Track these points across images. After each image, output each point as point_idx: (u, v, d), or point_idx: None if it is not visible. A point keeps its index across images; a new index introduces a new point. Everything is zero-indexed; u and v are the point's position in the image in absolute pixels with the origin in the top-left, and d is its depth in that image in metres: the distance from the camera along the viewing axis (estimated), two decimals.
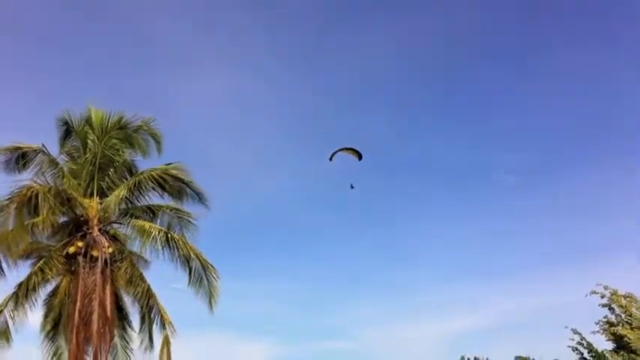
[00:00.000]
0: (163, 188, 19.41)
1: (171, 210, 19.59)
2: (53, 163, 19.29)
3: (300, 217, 72.77)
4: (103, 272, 18.20)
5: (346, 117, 69.23)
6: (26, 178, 18.42)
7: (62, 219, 19.04)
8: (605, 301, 21.25)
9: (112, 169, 19.67)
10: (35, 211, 17.40)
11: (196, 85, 66.32)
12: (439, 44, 71.12)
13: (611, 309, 21.22)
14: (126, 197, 19.09)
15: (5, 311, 17.91)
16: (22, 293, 17.92)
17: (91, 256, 18.26)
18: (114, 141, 19.51)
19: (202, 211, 19.72)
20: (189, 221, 19.23)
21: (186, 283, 19.04)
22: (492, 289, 63.93)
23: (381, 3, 69.09)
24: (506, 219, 71.10)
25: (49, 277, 18.59)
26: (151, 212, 19.55)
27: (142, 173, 19.42)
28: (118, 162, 19.82)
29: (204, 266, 19.15)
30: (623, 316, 20.89)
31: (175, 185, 19.33)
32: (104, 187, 19.43)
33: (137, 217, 19.29)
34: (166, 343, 18.67)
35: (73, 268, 18.81)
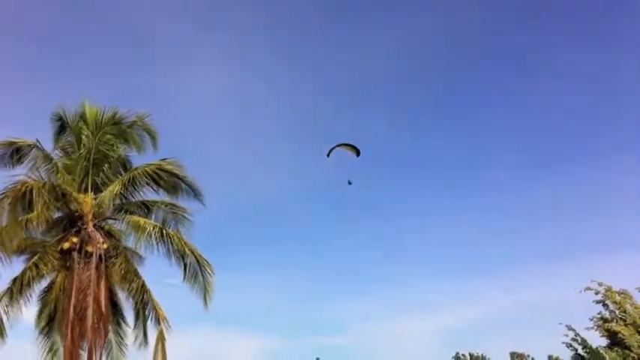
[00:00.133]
0: (158, 184, 19.36)
1: (166, 205, 19.55)
2: (47, 158, 19.23)
3: (298, 214, 72.85)
4: (97, 268, 18.15)
5: (345, 116, 69.29)
6: (20, 173, 18.34)
7: (57, 214, 19.03)
8: (599, 297, 21.38)
9: (106, 165, 19.64)
10: (30, 207, 17.35)
11: (195, 84, 66.29)
12: (438, 44, 71.17)
13: (605, 305, 21.33)
14: (120, 193, 19.03)
15: None
16: (17, 289, 17.87)
17: (86, 252, 18.21)
18: (108, 136, 19.46)
19: (197, 206, 19.70)
20: (184, 217, 19.21)
21: (180, 278, 19.02)
22: (488, 285, 64.17)
23: (380, 3, 69.10)
24: (502, 215, 71.26)
25: (44, 272, 18.55)
26: (146, 208, 19.52)
27: (136, 169, 19.33)
28: (113, 157, 19.78)
29: (200, 262, 19.12)
30: (617, 312, 21.00)
31: (170, 181, 19.28)
32: (99, 182, 19.38)
33: (132, 213, 19.25)
34: (161, 338, 18.65)
35: (67, 264, 18.78)
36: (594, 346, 21.45)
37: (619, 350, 20.36)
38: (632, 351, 19.88)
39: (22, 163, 19.18)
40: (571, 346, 21.75)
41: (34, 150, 19.04)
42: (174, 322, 19.33)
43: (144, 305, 19.27)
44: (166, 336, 18.77)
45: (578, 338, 21.59)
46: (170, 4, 64.80)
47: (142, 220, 18.65)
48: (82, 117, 19.73)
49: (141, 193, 19.75)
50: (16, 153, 19.11)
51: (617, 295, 21.09)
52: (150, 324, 19.30)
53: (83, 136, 19.56)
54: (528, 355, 43.37)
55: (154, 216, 19.37)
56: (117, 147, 19.89)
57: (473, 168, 72.01)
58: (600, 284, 21.44)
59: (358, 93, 72.65)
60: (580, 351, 21.70)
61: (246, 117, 70.37)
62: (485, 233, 68.90)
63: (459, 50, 72.74)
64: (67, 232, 18.69)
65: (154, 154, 20.16)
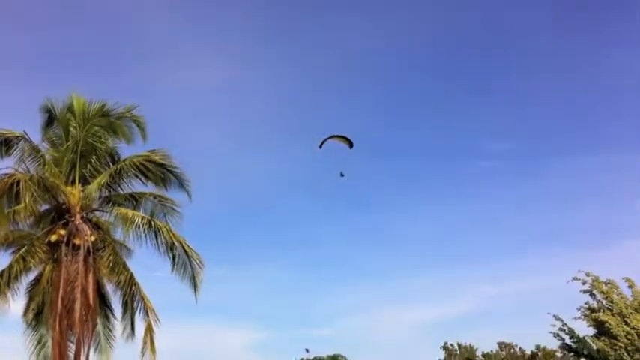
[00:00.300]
0: (146, 175, 19.29)
1: (154, 197, 19.45)
2: (35, 150, 19.08)
3: (285, 206, 73.07)
4: (85, 260, 18.12)
5: (332, 106, 69.36)
6: (8, 166, 18.27)
7: (44, 207, 18.94)
8: (586, 287, 21.47)
9: (94, 157, 19.52)
10: (17, 200, 17.29)
11: (185, 76, 66.15)
12: (427, 34, 71.27)
13: (592, 295, 21.44)
14: (108, 184, 19.01)
15: None
16: (4, 282, 17.74)
17: (74, 244, 18.18)
18: (96, 128, 19.37)
19: (186, 198, 19.65)
20: (173, 209, 19.12)
21: (169, 270, 19.01)
22: (475, 276, 64.63)
23: None
24: (489, 206, 71.75)
25: (32, 265, 18.47)
26: (134, 200, 19.43)
27: (124, 160, 19.29)
28: (101, 149, 19.67)
29: (189, 254, 19.11)
30: (604, 302, 21.11)
31: (158, 172, 19.20)
32: (86, 174, 19.28)
33: (120, 205, 19.19)
34: (150, 330, 18.64)
35: (55, 256, 18.72)
36: (581, 336, 21.59)
37: (606, 340, 20.48)
38: (619, 340, 20.00)
39: (10, 155, 19.08)
40: (558, 335, 21.86)
41: (21, 142, 18.88)
42: (163, 314, 19.36)
43: (132, 297, 19.22)
44: (155, 328, 18.78)
45: (565, 328, 21.69)
46: None
47: (130, 213, 18.61)
48: (70, 109, 19.61)
49: (129, 185, 19.75)
50: (4, 145, 18.96)
51: (604, 285, 21.20)
52: (138, 316, 19.31)
53: (71, 128, 19.43)
54: (516, 345, 43.87)
55: (142, 208, 19.25)
56: (105, 139, 19.78)
57: (460, 158, 72.39)
58: (587, 274, 21.55)
59: (346, 84, 72.84)
60: (567, 340, 21.82)
61: (234, 106, 70.49)
62: (473, 224, 69.40)
63: (447, 40, 73.07)
64: (55, 225, 18.61)
65: (143, 145, 20.14)
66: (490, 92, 73.78)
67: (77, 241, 18.13)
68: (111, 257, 18.85)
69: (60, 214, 18.84)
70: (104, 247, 19.08)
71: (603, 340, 20.51)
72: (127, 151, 20.35)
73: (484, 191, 73.29)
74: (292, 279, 70.84)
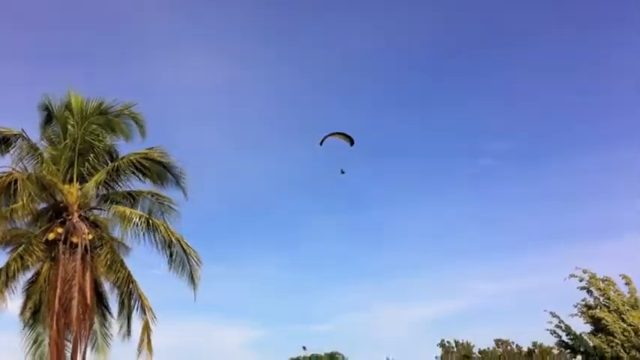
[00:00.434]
0: (143, 173, 19.28)
1: (152, 196, 19.40)
2: (33, 148, 19.02)
3: (283, 204, 73.02)
4: (83, 259, 18.07)
5: (332, 106, 69.35)
6: (5, 165, 18.21)
7: (42, 205, 18.90)
8: (583, 284, 21.55)
9: (92, 155, 19.43)
10: (14, 198, 17.21)
11: (183, 74, 66.05)
12: (425, 33, 71.30)
13: (589, 292, 21.52)
14: (105, 182, 18.97)
15: None
16: (2, 280, 17.66)
17: (71, 243, 18.13)
18: (94, 126, 19.29)
19: (184, 196, 19.63)
20: (170, 207, 19.07)
21: (167, 268, 18.99)
22: (472, 274, 64.67)
23: None
24: (487, 204, 71.86)
25: (29, 263, 18.41)
26: (132, 198, 19.38)
27: (122, 158, 19.27)
28: (99, 147, 19.57)
29: (186, 251, 19.07)
30: (601, 299, 21.22)
31: (156, 170, 19.19)
32: (84, 173, 19.22)
33: (117, 203, 19.13)
34: (147, 329, 18.62)
35: (53, 255, 18.66)
36: (578, 333, 21.70)
37: (603, 337, 20.58)
38: (615, 337, 20.10)
39: (8, 152, 19.04)
40: (555, 332, 21.98)
41: (19, 140, 18.84)
42: (160, 312, 19.35)
43: (129, 296, 19.19)
44: (152, 326, 18.78)
45: (562, 325, 21.81)
46: None
47: (127, 211, 18.55)
48: (68, 107, 19.53)
49: (127, 182, 19.73)
50: (2, 143, 18.93)
51: (600, 282, 21.30)
52: (135, 314, 19.28)
53: (69, 126, 19.34)
54: (513, 342, 43.96)
55: (140, 206, 19.19)
56: (103, 137, 19.69)
57: (458, 156, 72.46)
58: (585, 271, 21.64)
59: (346, 84, 72.82)
60: (564, 337, 21.94)
61: (233, 105, 70.37)
62: (470, 222, 69.49)
63: (446, 38, 73.06)
64: (52, 223, 18.56)
65: (143, 142, 20.10)
66: (490, 91, 73.73)
67: (75, 240, 18.08)
68: (108, 255, 18.78)
69: (57, 212, 18.79)
70: (102, 245, 19.01)
71: (600, 337, 20.62)
72: (126, 148, 20.38)
73: (483, 190, 73.32)
74: (291, 277, 70.84)
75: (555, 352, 39.20)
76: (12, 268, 17.77)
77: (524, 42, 72.96)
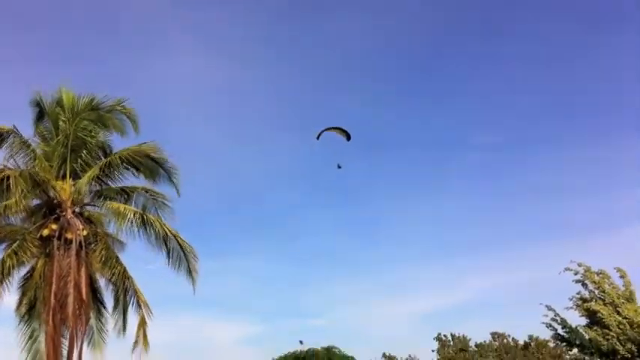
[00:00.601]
0: (137, 168, 19.25)
1: (146, 191, 19.40)
2: (25, 144, 18.92)
3: (278, 199, 73.02)
4: (77, 255, 18.05)
5: (332, 106, 69.28)
6: None
7: (35, 202, 18.88)
8: (578, 277, 21.57)
9: (84, 151, 19.35)
10: (7, 195, 17.16)
11: (185, 74, 65.91)
12: (416, 24, 71.14)
13: (584, 285, 21.55)
14: (99, 178, 18.93)
15: None
16: None
17: (66, 239, 18.09)
18: (85, 122, 19.20)
19: (177, 192, 19.63)
20: (164, 203, 19.13)
21: (163, 264, 18.99)
22: (468, 267, 64.85)
23: None
24: (482, 197, 71.94)
25: (24, 260, 18.36)
26: (126, 194, 19.32)
27: (115, 154, 19.20)
28: (91, 143, 19.51)
29: (183, 247, 19.05)
30: (596, 292, 21.24)
31: (149, 165, 19.16)
32: (77, 169, 19.16)
33: (111, 199, 19.08)
34: (142, 324, 18.62)
35: (47, 251, 18.64)
36: (574, 326, 21.72)
37: (598, 329, 20.62)
38: (610, 330, 20.14)
39: (0, 149, 18.95)
40: (551, 325, 22.00)
41: (11, 136, 18.72)
42: (156, 308, 19.34)
43: (125, 291, 19.18)
44: (148, 322, 18.76)
45: (557, 318, 21.83)
46: None
47: (122, 207, 18.50)
48: (59, 103, 19.48)
49: (120, 178, 19.69)
50: None
51: (595, 275, 21.32)
52: (131, 310, 19.28)
53: (61, 122, 19.25)
54: (509, 335, 44.08)
55: (134, 202, 19.17)
56: (95, 133, 19.61)
57: (452, 150, 72.50)
58: (580, 265, 21.66)
59: (346, 84, 72.76)
60: (560, 331, 21.96)
61: (226, 100, 70.23)
62: (467, 215, 69.61)
63: (448, 40, 72.93)
64: (47, 219, 18.53)
65: (136, 137, 20.03)
66: (483, 81, 73.75)
67: (69, 236, 18.04)
68: (103, 251, 18.77)
69: (51, 208, 18.75)
70: (96, 241, 19.01)
71: (595, 330, 20.65)
72: (120, 144, 20.30)
73: (477, 183, 73.47)
74: (287, 271, 70.99)
75: (551, 345, 39.41)
76: (7, 264, 17.69)
77: (514, 29, 72.92)
